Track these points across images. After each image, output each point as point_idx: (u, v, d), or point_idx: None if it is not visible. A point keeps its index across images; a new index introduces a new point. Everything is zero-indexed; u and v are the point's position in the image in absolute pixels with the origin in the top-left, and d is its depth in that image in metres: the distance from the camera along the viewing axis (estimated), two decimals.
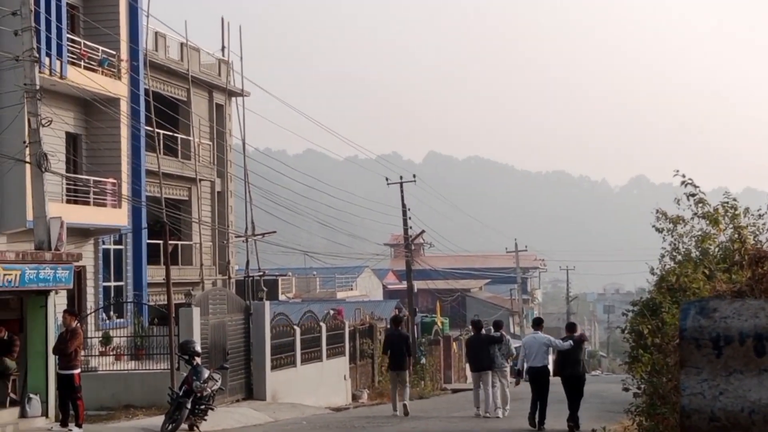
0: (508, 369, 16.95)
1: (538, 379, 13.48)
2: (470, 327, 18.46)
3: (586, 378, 14.11)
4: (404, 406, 16.06)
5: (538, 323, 15.44)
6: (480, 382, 15.44)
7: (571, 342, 13.33)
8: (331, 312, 24.65)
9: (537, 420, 13.17)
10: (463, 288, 47.88)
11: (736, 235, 7.61)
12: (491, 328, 17.18)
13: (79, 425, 13.16)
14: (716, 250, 8.38)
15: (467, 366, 21.10)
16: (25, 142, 14.78)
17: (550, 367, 14.45)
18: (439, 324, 33.26)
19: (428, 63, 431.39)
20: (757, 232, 7.84)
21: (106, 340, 18.14)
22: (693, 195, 7.90)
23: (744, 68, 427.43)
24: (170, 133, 24.14)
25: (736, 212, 7.80)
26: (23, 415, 13.83)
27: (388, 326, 20.38)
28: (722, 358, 2.28)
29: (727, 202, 7.87)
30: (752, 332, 2.23)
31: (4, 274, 13.09)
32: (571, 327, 15.25)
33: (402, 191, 32.08)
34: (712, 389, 2.27)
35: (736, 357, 2.26)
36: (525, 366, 14.36)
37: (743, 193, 9.20)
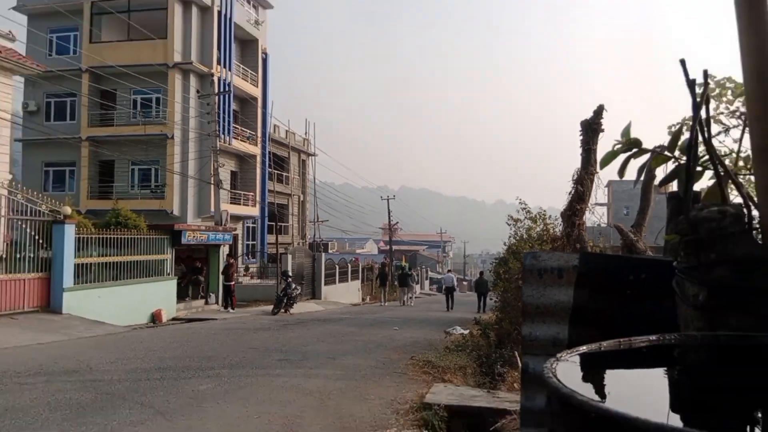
0: (415, 287, 33.17)
1: (450, 292, 27.93)
2: (401, 267, 32.06)
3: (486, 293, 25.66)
4: (386, 301, 30.09)
5: (449, 270, 34.58)
6: (404, 290, 28.70)
7: (453, 278, 29.59)
8: (353, 259, 39.32)
9: (448, 308, 25.98)
10: (415, 249, 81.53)
11: (545, 228, 11.35)
12: (407, 267, 31.51)
13: (233, 307, 21.10)
14: (534, 235, 11.82)
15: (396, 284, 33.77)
16: (212, 174, 25.67)
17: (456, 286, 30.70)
18: (404, 265, 45.95)
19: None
20: (554, 227, 10.93)
21: (246, 268, 28.89)
22: (524, 208, 12.24)
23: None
24: (279, 172, 40.15)
25: (545, 217, 11.87)
26: (207, 303, 21.94)
27: (379, 267, 35.22)
28: (543, 279, 3.10)
29: (542, 212, 12.08)
30: (556, 267, 3.09)
31: (200, 236, 21.12)
32: (481, 273, 28.17)
33: (388, 205, 56.00)
34: (537, 293, 3.12)
35: (549, 278, 3.07)
36: (444, 286, 29.19)
37: (548, 209, 14.89)
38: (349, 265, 34.07)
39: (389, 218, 55.97)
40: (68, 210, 15.90)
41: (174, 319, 18.99)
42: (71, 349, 11.24)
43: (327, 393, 7.37)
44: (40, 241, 15.36)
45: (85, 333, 13.76)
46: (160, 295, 18.79)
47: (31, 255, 15.17)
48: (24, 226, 15.23)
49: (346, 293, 31.66)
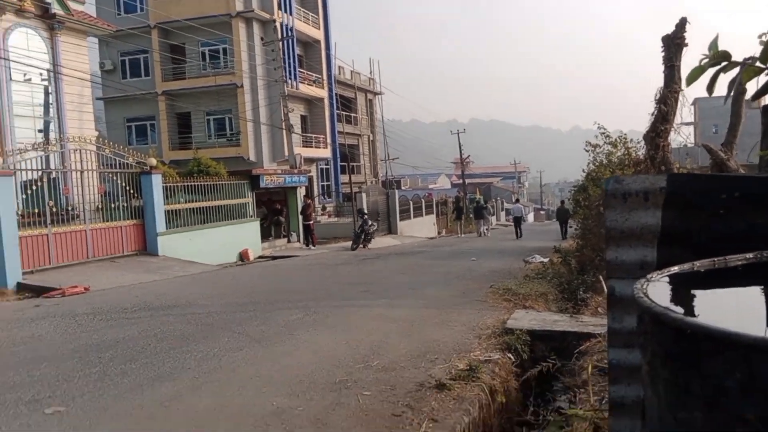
0: (491, 218, 34.75)
1: (518, 221, 28.23)
2: (475, 200, 34.19)
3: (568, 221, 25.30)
4: (463, 234, 29.75)
5: (517, 200, 33.61)
6: (480, 222, 29.25)
7: (521, 208, 30.14)
8: (426, 194, 38.32)
9: (517, 236, 25.77)
10: (489, 181, 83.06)
11: (626, 152, 11.30)
12: (481, 199, 33.72)
13: (314, 245, 21.82)
14: (615, 160, 11.70)
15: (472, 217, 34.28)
16: (282, 120, 25.57)
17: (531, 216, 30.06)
18: (479, 198, 45.26)
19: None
20: (636, 150, 10.92)
21: (323, 208, 29.27)
22: (603, 132, 11.93)
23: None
24: (347, 113, 40.26)
25: (626, 140, 11.67)
26: (289, 241, 22.77)
27: (454, 201, 36.07)
28: (627, 203, 3.02)
29: (622, 135, 11.86)
30: (642, 190, 3.00)
31: (277, 179, 21.72)
32: (562, 202, 27.85)
33: (459, 139, 54.74)
34: (621, 217, 3.04)
35: (634, 202, 3.00)
36: (513, 216, 29.21)
37: (629, 132, 13.62)
38: (423, 201, 34.70)
39: (461, 152, 55.07)
40: (153, 161, 16.71)
41: (260, 257, 19.88)
42: (170, 286, 12.05)
43: (410, 321, 7.62)
44: (131, 191, 16.30)
45: (181, 272, 14.67)
46: (245, 235, 19.65)
47: (125, 204, 16.18)
48: (115, 178, 16.18)
49: (421, 228, 32.35)
